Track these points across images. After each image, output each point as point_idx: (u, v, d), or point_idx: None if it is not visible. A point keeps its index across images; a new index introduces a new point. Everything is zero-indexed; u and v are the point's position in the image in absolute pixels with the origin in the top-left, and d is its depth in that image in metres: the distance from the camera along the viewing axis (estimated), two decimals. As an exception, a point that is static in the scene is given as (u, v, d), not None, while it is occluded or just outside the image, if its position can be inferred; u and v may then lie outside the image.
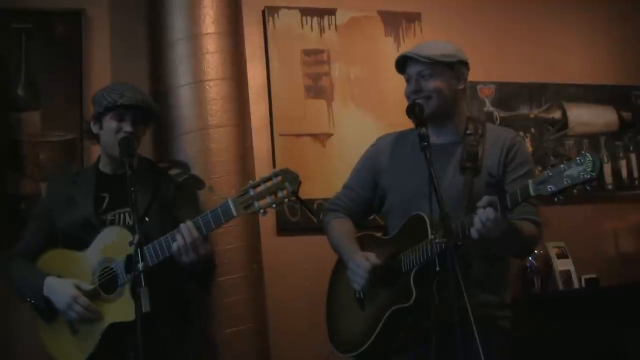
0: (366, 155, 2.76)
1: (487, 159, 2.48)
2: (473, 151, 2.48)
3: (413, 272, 2.34)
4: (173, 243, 2.35)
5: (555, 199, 2.05)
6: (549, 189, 2.05)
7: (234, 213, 2.30)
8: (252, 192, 2.28)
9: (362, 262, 2.45)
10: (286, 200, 2.27)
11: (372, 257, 2.45)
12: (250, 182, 2.32)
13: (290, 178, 2.27)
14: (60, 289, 2.48)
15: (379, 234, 2.67)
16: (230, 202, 2.31)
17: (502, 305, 2.52)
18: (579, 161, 2.01)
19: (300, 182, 2.28)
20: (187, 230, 2.34)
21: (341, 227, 2.70)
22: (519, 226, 2.33)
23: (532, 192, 2.09)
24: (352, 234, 2.67)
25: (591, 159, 1.99)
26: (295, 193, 2.27)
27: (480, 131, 2.54)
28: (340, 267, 2.67)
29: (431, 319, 2.18)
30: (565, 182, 2.02)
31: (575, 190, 2.04)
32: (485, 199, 2.18)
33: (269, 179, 2.28)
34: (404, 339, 2.42)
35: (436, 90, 2.48)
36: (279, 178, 2.27)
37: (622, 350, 3.77)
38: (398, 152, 2.64)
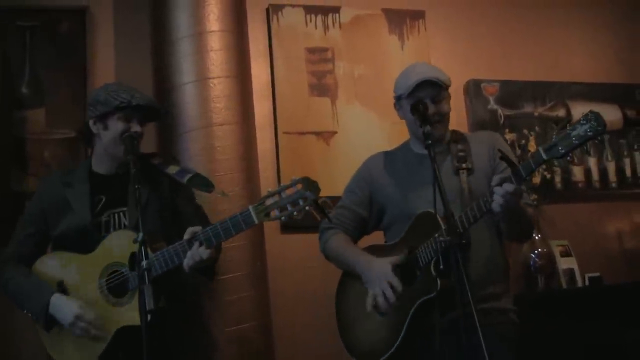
0: (359, 176, 2.81)
1: (476, 158, 2.58)
2: (462, 156, 2.57)
3: (432, 263, 2.39)
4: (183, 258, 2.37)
5: (569, 158, 2.12)
6: (560, 150, 2.10)
7: (255, 220, 2.29)
8: (272, 200, 2.28)
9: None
10: (307, 208, 2.27)
11: (395, 260, 2.50)
12: (270, 190, 2.31)
13: (312, 186, 2.27)
14: (65, 308, 2.45)
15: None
16: (251, 210, 2.30)
17: (510, 298, 2.60)
18: (583, 121, 2.07)
19: (320, 190, 2.29)
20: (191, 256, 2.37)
21: (344, 241, 2.73)
22: (523, 206, 2.42)
23: (544, 157, 2.13)
24: (357, 246, 2.72)
25: (594, 115, 2.05)
26: (316, 201, 2.27)
27: (462, 138, 2.66)
28: (349, 279, 2.68)
29: (453, 310, 2.19)
30: (574, 142, 2.08)
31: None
32: (497, 177, 2.24)
33: (289, 186, 2.28)
34: (429, 334, 2.41)
35: (448, 113, 2.62)
36: (300, 186, 2.27)
37: (626, 349, 3.77)
38: (391, 169, 2.72)
